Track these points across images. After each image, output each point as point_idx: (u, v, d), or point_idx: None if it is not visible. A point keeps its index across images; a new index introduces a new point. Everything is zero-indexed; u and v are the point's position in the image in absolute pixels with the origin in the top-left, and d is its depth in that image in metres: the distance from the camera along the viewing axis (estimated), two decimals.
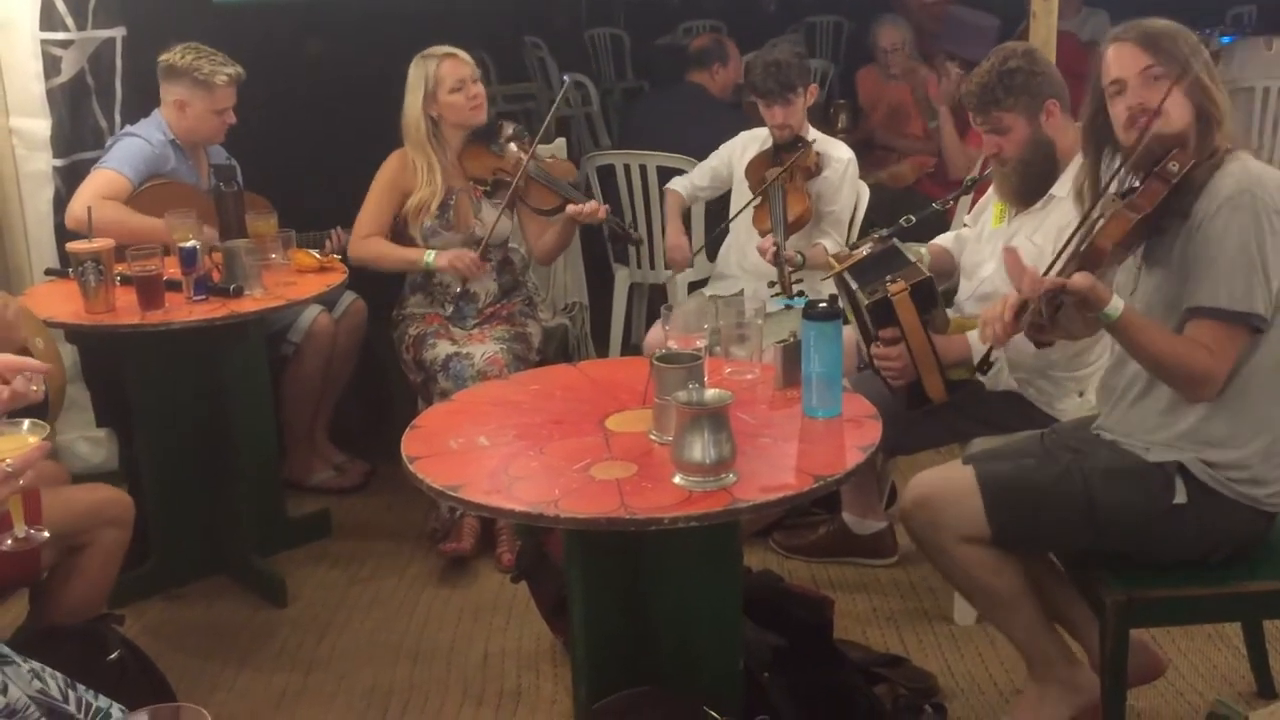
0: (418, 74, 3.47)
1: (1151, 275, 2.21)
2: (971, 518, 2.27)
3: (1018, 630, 2.41)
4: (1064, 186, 2.72)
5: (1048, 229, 2.72)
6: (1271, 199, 2.08)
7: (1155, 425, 2.22)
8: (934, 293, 2.61)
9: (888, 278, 2.57)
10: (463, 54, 3.50)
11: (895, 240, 2.82)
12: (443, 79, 3.44)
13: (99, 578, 2.48)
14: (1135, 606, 2.18)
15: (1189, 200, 2.12)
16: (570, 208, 3.46)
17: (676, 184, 4.03)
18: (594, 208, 3.44)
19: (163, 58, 3.48)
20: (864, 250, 2.78)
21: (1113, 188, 2.20)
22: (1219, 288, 2.08)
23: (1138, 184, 2.16)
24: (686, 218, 4.06)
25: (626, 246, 3.60)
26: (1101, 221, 2.16)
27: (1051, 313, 2.16)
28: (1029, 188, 2.78)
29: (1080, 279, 2.09)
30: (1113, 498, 2.21)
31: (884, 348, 2.61)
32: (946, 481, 2.33)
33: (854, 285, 2.66)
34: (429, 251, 3.46)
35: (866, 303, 2.58)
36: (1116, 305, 2.11)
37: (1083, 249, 2.15)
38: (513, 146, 3.58)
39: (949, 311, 2.96)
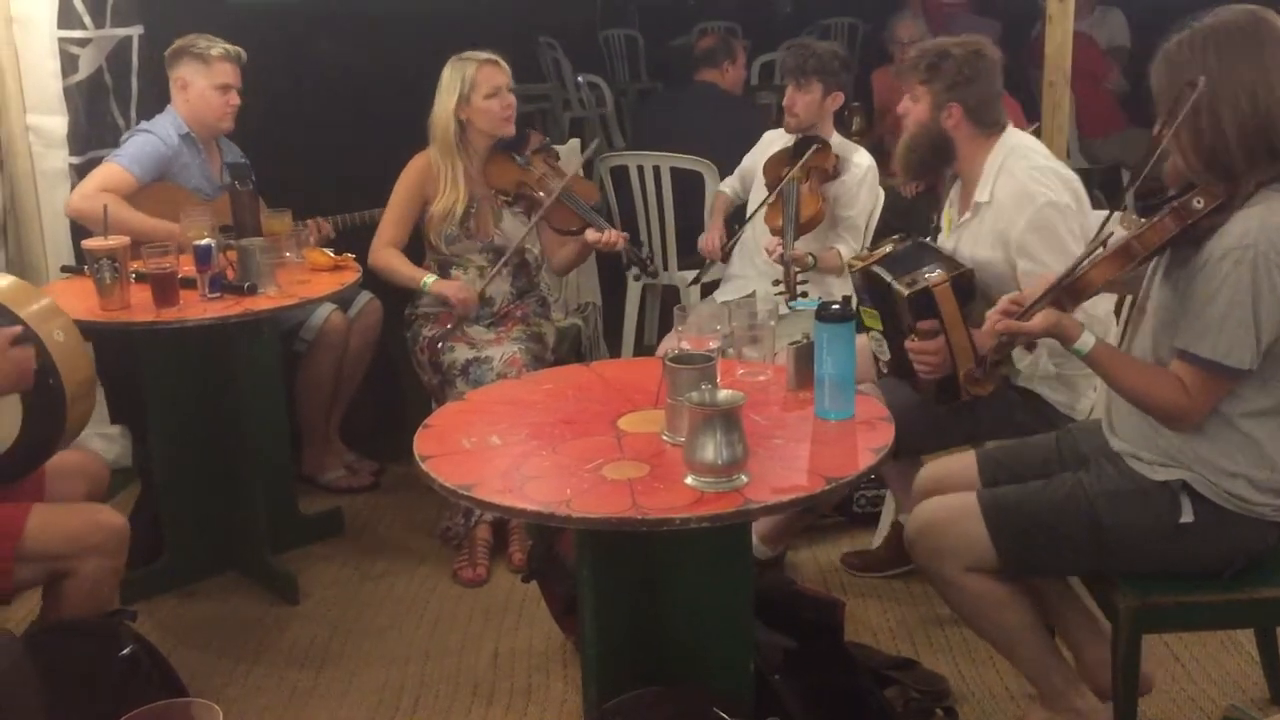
0: (453, 76, 3.44)
1: (1162, 290, 2.16)
2: (976, 545, 2.24)
3: (1026, 662, 2.39)
4: (984, 193, 2.74)
5: (983, 237, 2.73)
6: (1278, 254, 1.98)
7: (1155, 434, 2.18)
8: (973, 285, 2.58)
9: (925, 269, 2.55)
10: (502, 61, 3.49)
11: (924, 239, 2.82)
12: (479, 83, 3.42)
13: (83, 607, 2.37)
14: (1148, 612, 2.17)
15: (1203, 236, 2.04)
16: (590, 234, 3.47)
17: (725, 185, 4.08)
18: (613, 238, 3.47)
19: (167, 51, 3.51)
20: (887, 248, 2.76)
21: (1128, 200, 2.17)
22: (1205, 337, 2.03)
23: (1166, 202, 2.07)
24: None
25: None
26: (1098, 253, 2.10)
27: (996, 360, 2.15)
28: (909, 163, 2.87)
29: (1041, 320, 2.11)
30: (1119, 519, 2.19)
31: (921, 341, 2.56)
32: (949, 509, 2.31)
33: (888, 278, 2.62)
34: (428, 276, 3.45)
35: (907, 293, 2.53)
36: (1086, 341, 2.12)
37: (1068, 282, 2.12)
38: (539, 160, 3.58)
39: None
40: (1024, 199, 2.64)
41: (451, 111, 3.44)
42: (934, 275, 2.53)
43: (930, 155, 2.83)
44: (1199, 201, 2.01)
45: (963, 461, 2.50)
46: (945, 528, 2.29)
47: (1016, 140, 2.77)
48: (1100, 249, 2.11)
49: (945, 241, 2.88)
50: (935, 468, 2.54)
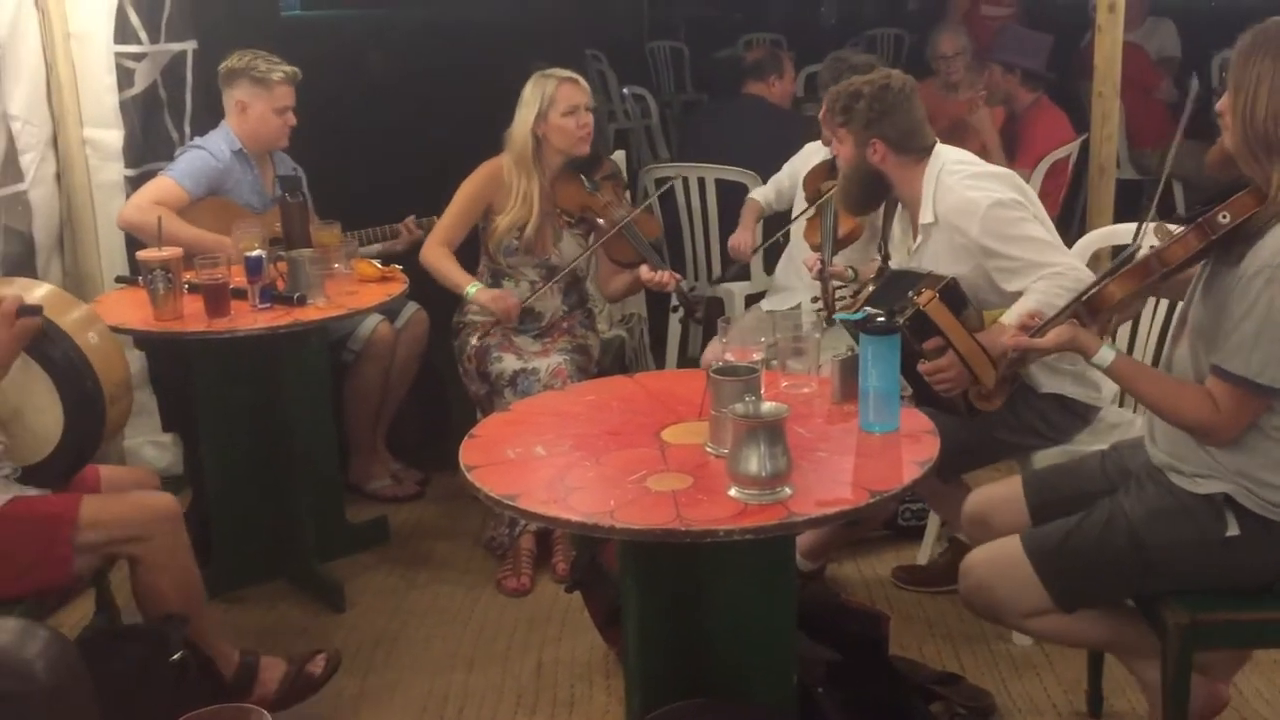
0: (534, 92, 3.47)
1: (1202, 303, 2.14)
2: (1028, 591, 2.24)
3: (1133, 669, 2.37)
4: (928, 214, 2.75)
5: (942, 255, 2.73)
6: None
7: (1197, 444, 2.15)
8: (961, 292, 2.58)
9: (910, 293, 2.56)
10: (582, 81, 3.52)
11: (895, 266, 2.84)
12: (558, 101, 3.44)
13: (167, 589, 2.45)
14: (1199, 630, 2.14)
15: (1241, 248, 2.02)
16: (644, 271, 3.48)
17: (758, 193, 4.09)
18: (665, 278, 3.47)
19: (222, 65, 3.58)
20: (869, 288, 2.78)
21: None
22: (1237, 354, 2.02)
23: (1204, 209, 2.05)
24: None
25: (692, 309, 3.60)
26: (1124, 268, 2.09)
27: (1005, 377, 2.13)
28: (849, 201, 2.97)
29: (1055, 337, 2.11)
30: (1162, 539, 2.16)
31: (932, 361, 2.55)
32: (995, 563, 2.30)
33: (878, 315, 2.63)
34: (472, 284, 3.47)
35: (901, 321, 2.54)
36: (1106, 356, 2.12)
37: (1086, 296, 2.11)
38: (608, 188, 3.60)
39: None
40: (968, 208, 2.66)
41: (530, 126, 3.46)
42: (922, 295, 2.53)
43: (867, 191, 2.90)
44: (1224, 216, 2.00)
45: (1009, 489, 2.48)
46: (996, 583, 2.28)
47: (945, 157, 2.79)
48: (1123, 264, 2.10)
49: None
50: (981, 497, 2.52)
